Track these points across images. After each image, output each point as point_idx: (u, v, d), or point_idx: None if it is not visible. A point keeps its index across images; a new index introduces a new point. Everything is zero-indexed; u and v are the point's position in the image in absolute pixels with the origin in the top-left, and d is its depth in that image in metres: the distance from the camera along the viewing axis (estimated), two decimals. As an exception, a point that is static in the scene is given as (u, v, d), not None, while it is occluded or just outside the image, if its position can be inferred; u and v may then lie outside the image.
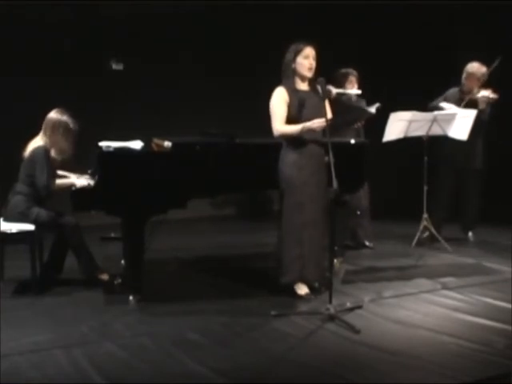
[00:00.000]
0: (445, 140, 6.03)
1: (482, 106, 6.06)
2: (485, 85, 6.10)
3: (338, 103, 5.08)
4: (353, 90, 6.03)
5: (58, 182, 4.84)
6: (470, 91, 6.11)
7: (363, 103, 6.08)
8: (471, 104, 6.03)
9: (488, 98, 6.04)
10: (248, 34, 7.83)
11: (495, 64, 5.93)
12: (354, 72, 6.11)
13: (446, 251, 5.95)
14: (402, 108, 5.69)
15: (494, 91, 6.08)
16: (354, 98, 6.09)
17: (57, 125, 4.85)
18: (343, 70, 6.10)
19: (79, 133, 4.99)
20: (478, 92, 6.09)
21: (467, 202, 6.44)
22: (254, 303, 4.47)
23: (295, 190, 4.47)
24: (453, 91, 6.29)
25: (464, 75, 6.20)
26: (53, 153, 4.87)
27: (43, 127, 4.89)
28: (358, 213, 6.07)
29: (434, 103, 6.21)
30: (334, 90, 5.79)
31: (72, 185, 4.75)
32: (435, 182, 6.22)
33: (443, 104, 6.17)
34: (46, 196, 4.80)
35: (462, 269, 5.39)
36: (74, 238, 4.83)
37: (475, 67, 6.14)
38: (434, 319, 4.13)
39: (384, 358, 3.51)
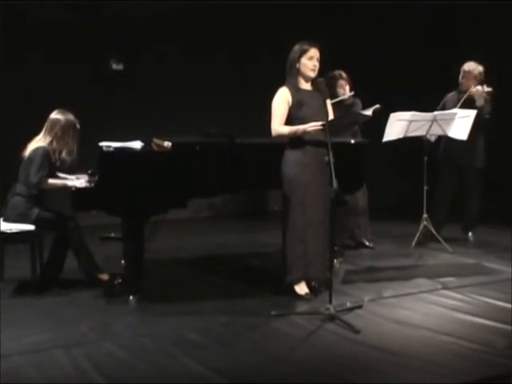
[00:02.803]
0: (446, 139, 6.00)
1: (479, 102, 5.93)
2: (482, 84, 5.99)
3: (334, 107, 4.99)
4: (345, 93, 5.86)
5: (51, 181, 4.80)
6: (467, 90, 6.00)
7: (358, 103, 5.92)
8: (469, 103, 5.93)
9: (482, 91, 5.89)
10: (248, 34, 7.83)
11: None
12: (344, 74, 5.91)
13: (446, 251, 5.94)
14: (401, 109, 5.67)
15: (489, 85, 5.94)
16: (348, 101, 5.90)
17: (66, 126, 4.84)
18: (330, 73, 5.86)
19: (80, 133, 5.00)
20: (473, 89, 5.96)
21: (468, 201, 6.41)
22: (253, 303, 4.47)
23: (298, 189, 4.47)
24: (451, 95, 6.24)
25: (461, 74, 6.13)
26: (63, 155, 4.86)
27: (47, 129, 4.86)
28: (357, 212, 6.05)
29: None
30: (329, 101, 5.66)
31: (64, 186, 4.75)
32: (436, 181, 6.20)
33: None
34: (36, 194, 4.75)
35: (462, 269, 5.39)
36: (74, 238, 4.82)
37: (472, 65, 6.09)
38: (433, 319, 4.13)
39: (384, 358, 3.51)
